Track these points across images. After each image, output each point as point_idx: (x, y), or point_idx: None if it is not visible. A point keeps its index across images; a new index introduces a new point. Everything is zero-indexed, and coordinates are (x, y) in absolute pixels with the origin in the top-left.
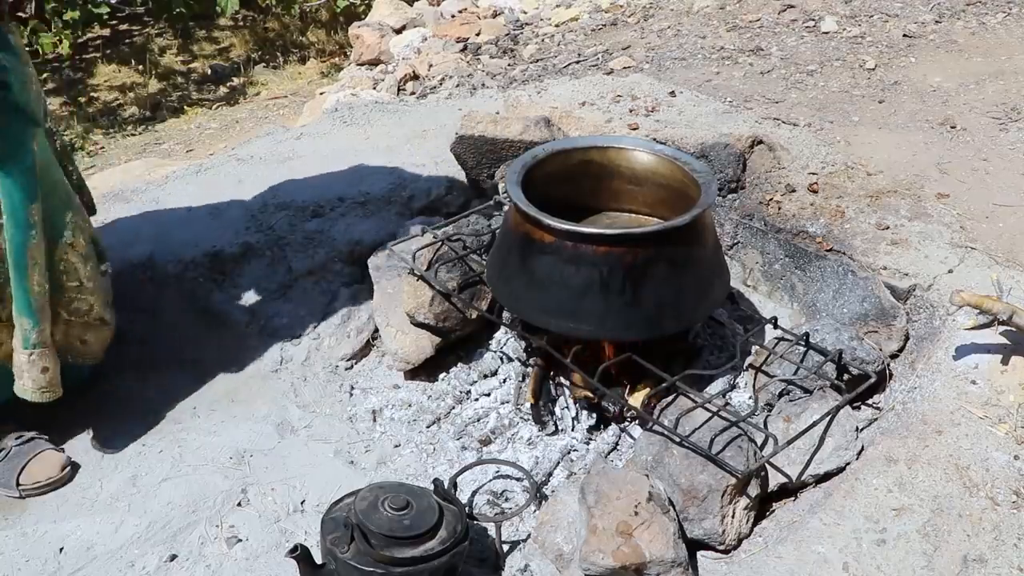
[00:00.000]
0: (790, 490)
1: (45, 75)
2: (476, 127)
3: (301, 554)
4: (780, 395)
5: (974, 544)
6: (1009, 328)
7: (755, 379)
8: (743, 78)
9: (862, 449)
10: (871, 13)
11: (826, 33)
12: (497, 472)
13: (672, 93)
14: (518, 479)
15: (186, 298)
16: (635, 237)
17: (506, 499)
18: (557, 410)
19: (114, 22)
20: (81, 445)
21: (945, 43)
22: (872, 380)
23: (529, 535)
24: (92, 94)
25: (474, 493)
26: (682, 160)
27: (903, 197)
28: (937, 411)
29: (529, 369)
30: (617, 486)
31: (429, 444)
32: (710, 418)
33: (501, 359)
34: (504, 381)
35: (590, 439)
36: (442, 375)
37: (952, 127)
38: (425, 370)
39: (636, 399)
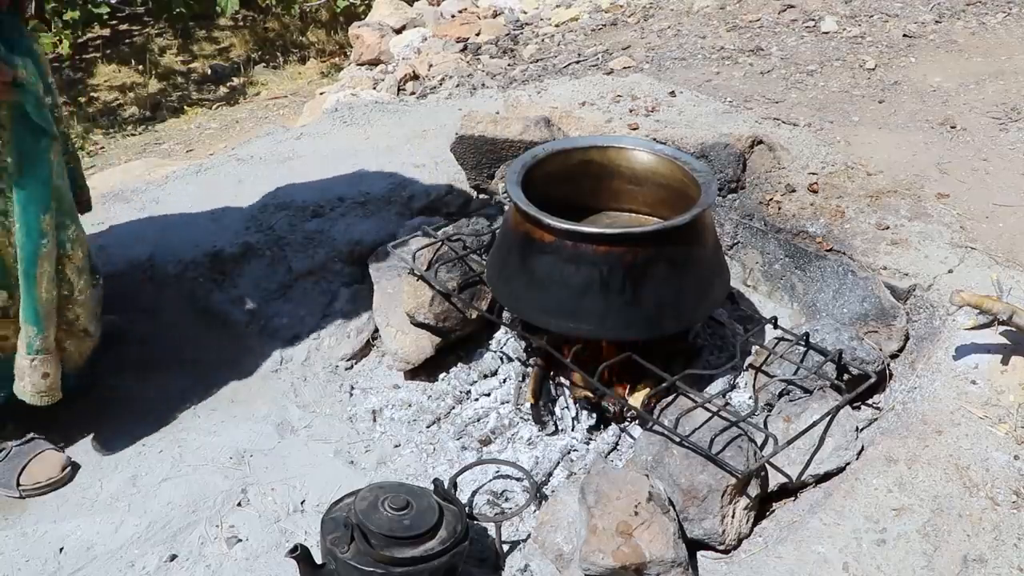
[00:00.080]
0: (790, 490)
1: None
2: (476, 127)
3: (301, 554)
4: (780, 395)
5: (974, 544)
6: (1009, 328)
7: (755, 379)
8: (743, 78)
9: (862, 449)
10: (871, 13)
11: (826, 33)
12: (497, 472)
13: (672, 93)
14: (518, 479)
15: (186, 298)
16: (635, 237)
17: (506, 499)
18: (557, 410)
19: (114, 22)
20: (81, 445)
21: (945, 43)
22: (872, 380)
23: (529, 535)
24: (92, 94)
25: (474, 493)
26: (682, 160)
27: (903, 197)
28: (937, 411)
29: (529, 369)
30: (617, 486)
31: (429, 444)
32: (710, 418)
33: (501, 359)
34: (504, 381)
35: (590, 439)
36: (442, 375)
37: (952, 127)
38: (425, 370)
39: (636, 399)
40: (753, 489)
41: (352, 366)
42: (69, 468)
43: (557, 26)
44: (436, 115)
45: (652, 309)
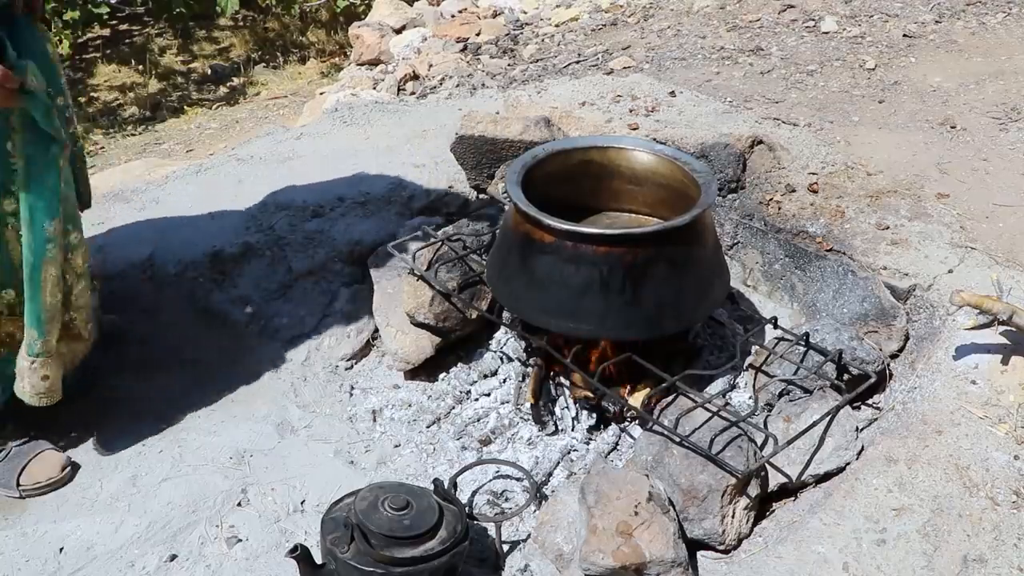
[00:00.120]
0: (790, 490)
1: None
2: (476, 127)
3: (301, 554)
4: (780, 395)
5: (974, 544)
6: (1009, 328)
7: (755, 379)
8: (743, 78)
9: (862, 449)
10: (871, 13)
11: (826, 33)
12: (497, 472)
13: (672, 93)
14: (518, 479)
15: (186, 298)
16: (635, 237)
17: (506, 499)
18: (557, 410)
19: (114, 22)
20: (81, 445)
21: (945, 43)
22: (872, 380)
23: (529, 535)
24: (92, 94)
25: (474, 493)
26: (682, 160)
27: (903, 197)
28: (937, 411)
29: (529, 369)
30: (617, 486)
31: (429, 444)
32: (710, 418)
33: (501, 359)
34: (504, 381)
35: (590, 439)
36: (442, 375)
37: (952, 127)
38: (425, 370)
39: (636, 399)
40: (753, 489)
41: (352, 366)
42: (69, 468)
43: (557, 26)
44: (436, 115)
45: (652, 309)
